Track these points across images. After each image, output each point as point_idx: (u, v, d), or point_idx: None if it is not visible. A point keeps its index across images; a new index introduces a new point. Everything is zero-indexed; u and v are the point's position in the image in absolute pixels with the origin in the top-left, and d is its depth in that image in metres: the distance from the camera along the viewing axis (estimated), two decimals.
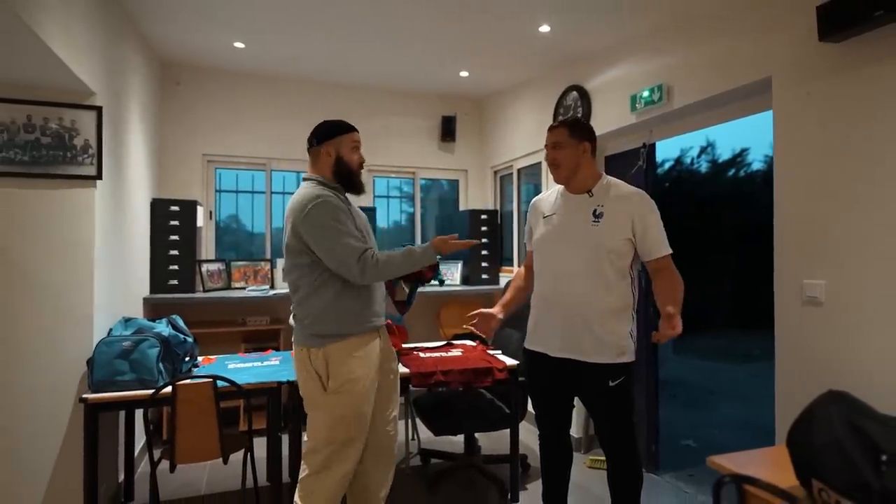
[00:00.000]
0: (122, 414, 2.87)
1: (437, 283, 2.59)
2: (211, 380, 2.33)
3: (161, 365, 2.40)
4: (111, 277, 2.75)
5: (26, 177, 2.39)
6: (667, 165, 9.67)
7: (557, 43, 3.43)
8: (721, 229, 8.95)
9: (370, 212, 4.34)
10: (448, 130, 4.78)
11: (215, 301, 3.89)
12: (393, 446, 2.19)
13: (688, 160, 9.70)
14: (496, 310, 2.20)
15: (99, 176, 2.49)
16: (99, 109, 2.49)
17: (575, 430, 3.59)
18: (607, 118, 3.36)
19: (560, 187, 2.17)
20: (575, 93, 3.60)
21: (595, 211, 2.03)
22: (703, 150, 9.60)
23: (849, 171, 2.06)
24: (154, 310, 3.58)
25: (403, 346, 3.13)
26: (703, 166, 9.77)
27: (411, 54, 3.77)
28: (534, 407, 2.30)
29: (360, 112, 4.58)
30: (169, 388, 2.27)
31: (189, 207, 3.77)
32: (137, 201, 3.34)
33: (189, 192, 4.07)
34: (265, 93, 4.32)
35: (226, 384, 2.35)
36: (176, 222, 3.72)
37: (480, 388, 2.83)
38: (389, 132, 4.71)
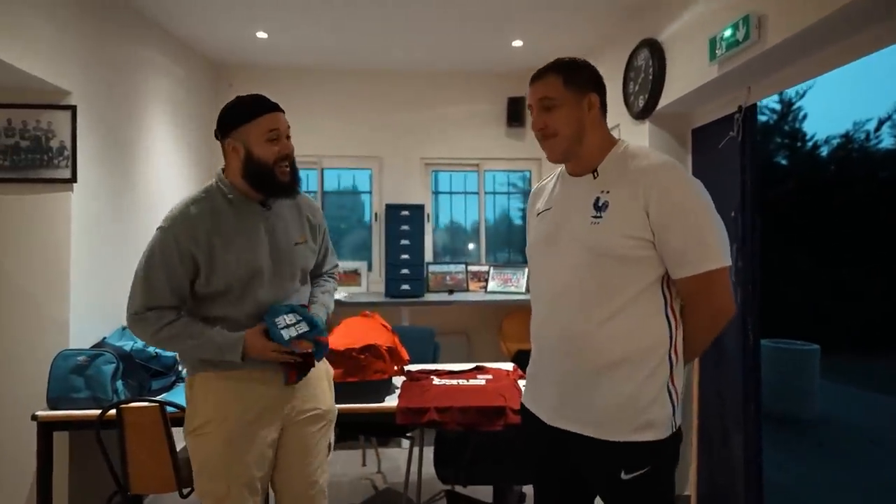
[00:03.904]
0: None
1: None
2: (158, 404, 2.07)
3: (119, 383, 2.20)
4: (106, 283, 2.65)
5: (6, 182, 2.34)
6: (834, 143, 7.78)
7: None
8: None
9: (417, 209, 3.85)
10: (515, 114, 4.13)
11: None
12: None
13: (862, 136, 7.70)
14: None
15: (73, 178, 2.38)
16: (73, 109, 2.37)
17: None
18: (686, 76, 2.51)
19: (561, 168, 1.45)
20: (646, 50, 2.77)
21: (598, 201, 1.29)
22: (882, 122, 7.55)
23: None
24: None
25: (416, 369, 2.64)
26: (888, 141, 7.68)
27: (454, 27, 3.24)
28: (534, 489, 1.55)
29: (414, 100, 4.17)
30: (114, 411, 2.06)
31: None
32: (164, 204, 3.27)
33: None
34: (312, 88, 4.09)
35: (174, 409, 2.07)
36: None
37: (487, 431, 2.22)
38: (447, 120, 4.20)
